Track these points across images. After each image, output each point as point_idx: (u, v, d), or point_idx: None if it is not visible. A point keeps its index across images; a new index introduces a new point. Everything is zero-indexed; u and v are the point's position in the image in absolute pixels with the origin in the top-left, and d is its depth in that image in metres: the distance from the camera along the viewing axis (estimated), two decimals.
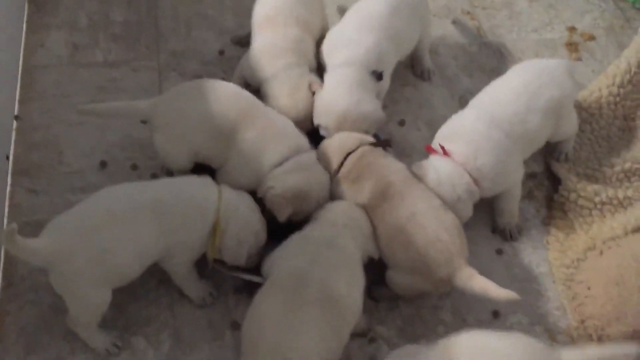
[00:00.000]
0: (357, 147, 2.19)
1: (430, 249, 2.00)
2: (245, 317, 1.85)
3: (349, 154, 2.19)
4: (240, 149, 2.14)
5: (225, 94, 2.20)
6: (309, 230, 2.02)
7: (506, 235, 2.37)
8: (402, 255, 2.04)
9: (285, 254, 1.96)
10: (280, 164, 2.12)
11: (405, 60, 2.71)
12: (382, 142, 2.26)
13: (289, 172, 2.11)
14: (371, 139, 2.24)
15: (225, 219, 1.99)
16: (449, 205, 2.14)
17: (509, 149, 2.24)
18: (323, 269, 1.86)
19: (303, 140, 2.21)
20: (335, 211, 2.07)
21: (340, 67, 2.37)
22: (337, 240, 1.95)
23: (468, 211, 2.22)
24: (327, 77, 2.38)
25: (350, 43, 2.40)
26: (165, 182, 2.11)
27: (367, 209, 2.11)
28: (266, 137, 2.14)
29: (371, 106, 2.32)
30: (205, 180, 2.06)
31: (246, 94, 2.24)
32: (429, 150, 2.29)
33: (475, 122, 2.26)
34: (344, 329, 1.86)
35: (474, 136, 2.23)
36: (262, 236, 2.07)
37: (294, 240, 2.00)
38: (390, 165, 2.17)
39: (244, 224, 2.01)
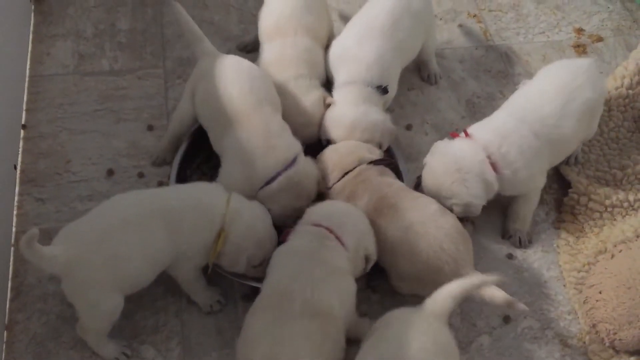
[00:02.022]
0: (355, 167, 2.18)
1: (434, 259, 1.98)
2: (239, 337, 1.84)
3: (346, 172, 2.18)
4: (231, 147, 2.14)
5: (240, 83, 2.19)
6: (295, 240, 1.96)
7: (516, 242, 2.35)
8: (406, 267, 2.02)
9: (272, 267, 1.93)
10: (271, 180, 2.11)
11: (411, 64, 2.69)
12: (382, 161, 2.23)
13: (280, 190, 2.10)
14: (371, 158, 2.21)
15: (229, 226, 1.98)
16: (450, 184, 2.12)
17: (537, 149, 2.21)
18: (307, 283, 1.83)
19: (293, 150, 2.16)
20: (324, 214, 2.01)
21: (344, 86, 2.37)
22: (319, 252, 1.90)
23: (474, 195, 2.13)
24: (335, 95, 2.39)
25: (351, 60, 2.40)
26: (174, 188, 2.12)
27: None
28: (257, 145, 2.11)
29: (379, 116, 2.33)
30: (214, 187, 2.06)
31: (258, 85, 2.22)
32: (452, 136, 2.27)
33: (506, 119, 2.25)
34: (339, 337, 1.85)
35: (502, 129, 2.21)
36: (268, 247, 2.04)
37: (280, 252, 1.96)
38: (384, 182, 2.14)
39: (246, 231, 2.00)
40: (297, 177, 2.12)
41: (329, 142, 2.33)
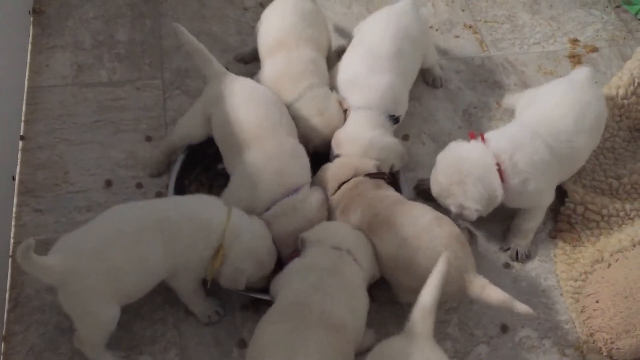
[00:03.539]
0: (351, 178, 2.18)
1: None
2: (249, 345, 1.84)
3: (342, 183, 2.19)
4: (241, 168, 2.15)
5: (256, 109, 2.21)
6: (310, 257, 1.99)
7: (513, 255, 2.35)
8: (407, 281, 2.01)
9: (288, 280, 1.94)
10: (269, 207, 2.12)
11: None
12: (377, 175, 2.24)
13: (276, 216, 2.10)
14: (367, 170, 2.22)
15: (229, 244, 1.98)
16: (449, 184, 2.15)
17: (548, 164, 2.23)
18: (326, 296, 1.85)
19: (300, 178, 2.17)
20: (338, 236, 2.04)
21: (358, 110, 2.39)
22: (339, 268, 1.94)
23: (471, 199, 2.14)
24: (348, 118, 2.41)
25: (364, 86, 2.42)
26: (173, 200, 2.11)
27: None
28: (265, 168, 2.12)
29: (393, 140, 2.38)
30: (213, 201, 2.06)
31: (273, 111, 2.24)
32: (470, 136, 2.29)
33: (522, 130, 2.27)
34: (349, 352, 1.86)
35: (518, 139, 2.23)
36: (268, 266, 2.05)
37: (298, 267, 1.97)
38: (378, 196, 2.14)
39: (246, 253, 1.99)
40: (294, 204, 2.11)
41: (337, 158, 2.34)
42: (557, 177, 2.33)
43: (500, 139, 2.24)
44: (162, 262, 1.95)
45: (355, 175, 2.19)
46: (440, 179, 2.21)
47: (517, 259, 2.35)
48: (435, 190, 2.24)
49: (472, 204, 2.14)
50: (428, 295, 1.81)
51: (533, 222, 2.34)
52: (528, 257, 2.36)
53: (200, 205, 2.03)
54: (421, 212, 2.08)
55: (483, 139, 2.24)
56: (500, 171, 2.17)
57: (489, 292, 1.95)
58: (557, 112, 2.32)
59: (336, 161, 2.29)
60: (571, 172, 2.41)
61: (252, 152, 2.14)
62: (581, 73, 2.45)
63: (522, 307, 1.91)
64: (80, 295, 1.87)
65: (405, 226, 2.03)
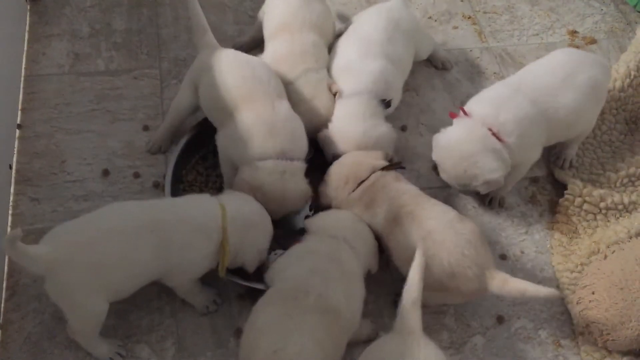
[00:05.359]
0: (369, 175, 2.16)
1: (456, 265, 1.95)
2: (245, 326, 1.85)
3: (362, 182, 2.15)
4: (235, 125, 2.17)
5: (242, 71, 2.25)
6: (311, 243, 2.01)
7: (486, 200, 2.44)
8: (428, 276, 1.93)
9: (287, 265, 1.96)
10: (260, 159, 2.13)
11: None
12: (394, 165, 2.22)
13: (263, 169, 2.12)
14: (383, 163, 2.20)
15: (237, 238, 1.99)
16: (464, 173, 2.19)
17: (533, 118, 2.23)
18: (323, 280, 1.86)
19: (294, 147, 2.18)
20: (337, 225, 2.06)
21: (350, 98, 2.38)
22: (338, 254, 1.95)
23: (490, 171, 2.18)
24: (338, 107, 2.39)
25: (357, 73, 2.42)
26: (168, 202, 2.09)
27: (383, 234, 2.09)
28: (258, 126, 2.15)
29: (385, 128, 2.37)
30: (207, 200, 2.05)
31: (260, 72, 2.26)
32: (451, 116, 2.31)
33: (501, 89, 2.29)
34: (342, 339, 1.86)
35: (498, 99, 2.25)
36: (271, 228, 2.11)
37: (296, 252, 1.99)
38: (402, 188, 2.13)
39: (258, 233, 2.04)
40: (284, 168, 2.13)
41: (334, 157, 2.31)
42: (545, 134, 2.30)
43: (482, 105, 2.26)
44: (152, 265, 1.93)
45: (373, 172, 2.17)
46: (454, 174, 2.24)
47: (489, 204, 2.44)
48: (457, 184, 2.28)
49: (493, 174, 2.19)
50: (411, 291, 1.80)
51: (516, 176, 2.37)
52: (502, 204, 2.46)
53: (195, 207, 2.01)
54: (445, 209, 2.08)
55: (465, 113, 2.26)
56: (494, 135, 2.20)
57: (512, 284, 1.95)
58: (545, 68, 2.33)
59: (347, 159, 2.25)
60: (558, 134, 2.36)
61: (244, 113, 2.17)
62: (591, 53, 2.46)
63: (546, 291, 1.94)
64: (66, 287, 1.86)
65: (431, 219, 2.02)
